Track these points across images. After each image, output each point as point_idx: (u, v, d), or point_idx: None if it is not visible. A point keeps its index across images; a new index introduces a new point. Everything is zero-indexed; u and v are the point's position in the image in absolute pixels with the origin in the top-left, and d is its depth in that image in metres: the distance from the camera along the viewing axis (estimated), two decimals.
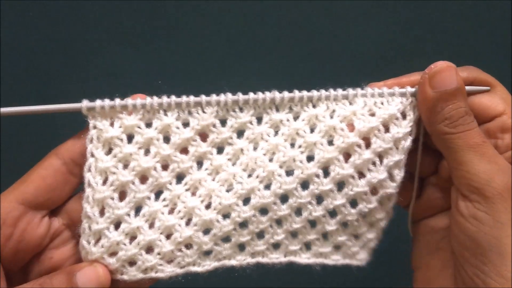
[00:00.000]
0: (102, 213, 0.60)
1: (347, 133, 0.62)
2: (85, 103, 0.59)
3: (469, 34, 1.09)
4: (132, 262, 0.62)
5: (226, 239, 0.64)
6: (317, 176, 0.63)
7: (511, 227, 0.57)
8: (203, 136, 0.63)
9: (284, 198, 0.63)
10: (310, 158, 0.63)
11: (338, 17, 1.09)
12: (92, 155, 0.60)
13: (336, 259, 0.68)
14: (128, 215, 0.61)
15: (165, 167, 0.62)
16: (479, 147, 0.59)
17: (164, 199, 0.62)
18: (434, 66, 0.60)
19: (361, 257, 0.69)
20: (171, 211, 0.62)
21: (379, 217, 0.66)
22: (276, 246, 0.66)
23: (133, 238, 0.62)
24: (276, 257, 0.66)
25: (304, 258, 0.67)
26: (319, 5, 1.08)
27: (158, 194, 0.62)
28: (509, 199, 0.57)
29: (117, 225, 0.61)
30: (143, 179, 0.61)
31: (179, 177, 0.63)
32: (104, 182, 0.60)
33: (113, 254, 0.61)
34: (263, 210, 0.64)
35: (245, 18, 1.08)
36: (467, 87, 0.62)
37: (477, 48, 1.10)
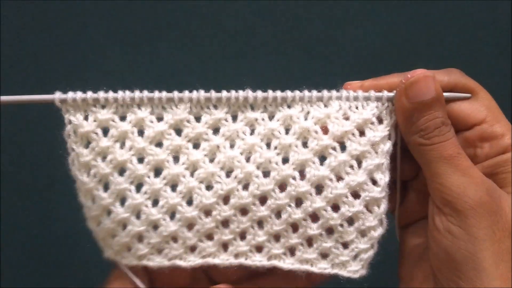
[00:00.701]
0: (94, 201, 0.64)
1: (321, 135, 0.61)
2: (57, 95, 0.60)
3: (468, 34, 1.06)
4: (129, 248, 0.65)
5: (209, 236, 0.65)
6: (293, 178, 0.62)
7: (485, 241, 0.55)
8: (178, 132, 0.63)
9: (263, 199, 0.64)
10: (286, 160, 0.63)
11: (334, 17, 1.07)
12: (73, 150, 0.62)
13: (323, 268, 0.65)
14: (115, 206, 0.63)
15: (141, 160, 0.63)
16: (453, 159, 0.57)
17: (145, 192, 0.63)
18: (411, 76, 0.58)
19: (353, 269, 0.65)
20: (154, 205, 0.64)
21: (369, 224, 0.63)
22: (258, 248, 0.66)
23: (125, 226, 0.64)
24: (259, 260, 0.65)
25: (288, 264, 0.66)
26: (314, 4, 1.06)
27: (139, 187, 0.64)
28: (483, 213, 0.56)
29: (109, 213, 0.64)
30: (123, 171, 0.63)
31: (158, 172, 0.63)
32: (88, 174, 0.63)
33: (113, 237, 0.65)
34: (243, 210, 0.64)
35: (243, 18, 1.07)
36: (447, 94, 0.59)
37: (477, 48, 1.06)
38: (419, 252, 0.65)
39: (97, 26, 1.07)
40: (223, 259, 0.65)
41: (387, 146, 0.62)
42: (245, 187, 0.63)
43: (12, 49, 1.06)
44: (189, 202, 0.64)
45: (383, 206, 0.63)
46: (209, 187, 0.63)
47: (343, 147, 0.62)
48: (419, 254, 0.65)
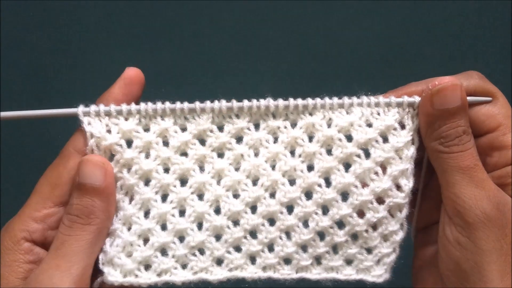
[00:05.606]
0: (117, 216, 0.63)
1: (345, 143, 0.62)
2: (81, 108, 0.60)
3: (469, 35, 1.05)
4: (147, 266, 0.63)
5: (237, 247, 0.65)
6: (319, 185, 0.63)
7: (492, 254, 0.56)
8: (202, 141, 0.63)
9: (290, 208, 0.64)
10: (310, 167, 0.63)
11: (340, 19, 1.07)
12: None
13: (348, 274, 0.65)
14: (138, 217, 0.62)
15: (167, 170, 0.63)
16: (469, 170, 0.57)
17: (171, 201, 0.63)
18: (439, 82, 0.58)
19: (377, 273, 0.65)
20: (181, 214, 0.63)
21: (392, 229, 0.64)
22: (287, 261, 0.65)
23: (146, 240, 0.63)
24: (288, 273, 0.65)
25: (315, 274, 0.65)
26: (320, 5, 1.06)
27: (165, 197, 0.63)
28: (491, 227, 0.56)
29: (130, 227, 0.63)
30: (148, 182, 0.63)
31: (183, 181, 0.63)
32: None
33: (129, 255, 0.63)
34: (271, 220, 0.64)
35: (246, 19, 1.08)
36: (469, 98, 0.59)
37: (477, 48, 1.06)
38: (430, 256, 0.65)
39: (109, 30, 1.08)
40: (251, 272, 0.64)
41: (411, 151, 0.62)
42: (272, 195, 0.63)
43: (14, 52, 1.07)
44: (217, 211, 0.63)
45: (405, 211, 0.63)
46: (235, 196, 0.63)
47: (367, 153, 0.62)
48: (430, 259, 0.65)
